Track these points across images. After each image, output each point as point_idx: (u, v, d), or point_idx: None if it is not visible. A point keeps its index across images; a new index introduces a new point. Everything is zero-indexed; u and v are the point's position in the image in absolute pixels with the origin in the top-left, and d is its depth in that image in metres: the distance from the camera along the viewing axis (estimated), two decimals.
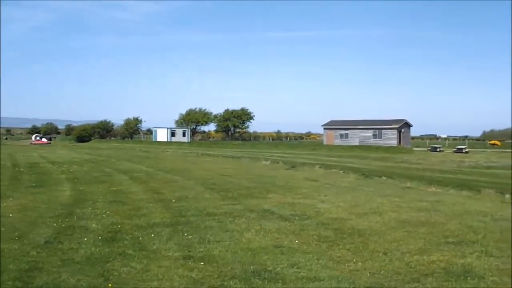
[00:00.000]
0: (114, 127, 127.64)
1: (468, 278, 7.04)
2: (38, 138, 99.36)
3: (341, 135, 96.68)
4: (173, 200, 14.35)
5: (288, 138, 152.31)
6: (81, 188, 17.12)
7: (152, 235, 9.53)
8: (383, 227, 10.60)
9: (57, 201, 14.00)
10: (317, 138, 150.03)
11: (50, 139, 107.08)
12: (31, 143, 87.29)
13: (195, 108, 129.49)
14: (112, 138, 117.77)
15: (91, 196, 15.11)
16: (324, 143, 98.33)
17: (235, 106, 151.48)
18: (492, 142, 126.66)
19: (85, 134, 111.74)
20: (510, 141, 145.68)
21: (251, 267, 7.37)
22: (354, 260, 7.85)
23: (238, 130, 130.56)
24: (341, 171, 26.89)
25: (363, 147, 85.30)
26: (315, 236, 9.55)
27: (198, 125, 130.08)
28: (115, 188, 17.20)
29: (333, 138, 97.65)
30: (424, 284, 6.77)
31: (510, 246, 9.03)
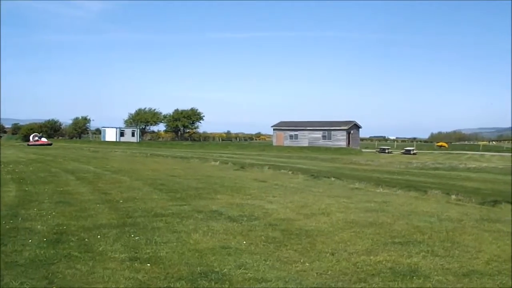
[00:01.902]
0: (62, 126, 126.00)
1: (414, 277, 7.12)
2: (37, 138, 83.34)
3: (291, 136, 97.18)
4: (121, 201, 14.18)
5: (238, 139, 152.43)
6: (26, 189, 16.78)
7: (99, 236, 9.38)
8: (330, 227, 10.64)
9: (1, 202, 13.72)
10: (266, 139, 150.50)
11: (42, 137, 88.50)
12: (28, 144, 75.70)
13: (145, 108, 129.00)
14: (60, 137, 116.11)
15: (37, 197, 14.82)
16: (274, 144, 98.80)
17: (185, 106, 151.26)
18: (440, 144, 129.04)
19: (32, 134, 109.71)
20: (456, 142, 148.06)
21: (198, 268, 7.32)
22: (302, 261, 7.86)
23: (187, 130, 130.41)
24: (290, 172, 26.96)
25: (313, 148, 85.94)
26: (262, 237, 9.54)
27: (148, 125, 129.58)
28: (61, 189, 16.93)
29: (283, 139, 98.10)
30: (370, 284, 6.81)
31: (455, 245, 9.18)
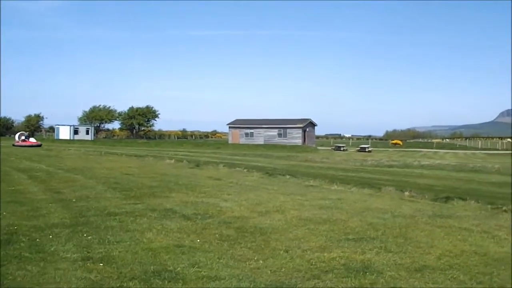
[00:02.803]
0: (14, 124, 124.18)
1: (367, 273, 7.17)
2: (23, 137, 68.45)
3: (246, 134, 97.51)
4: (74, 200, 13.98)
5: (194, 137, 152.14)
6: None
7: (50, 236, 9.22)
8: (285, 225, 10.66)
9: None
10: (222, 137, 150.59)
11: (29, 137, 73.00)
12: (14, 145, 62.56)
13: (99, 105, 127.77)
14: (12, 135, 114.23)
15: None
16: (229, 142, 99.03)
17: (140, 103, 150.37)
18: (394, 141, 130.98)
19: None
20: (411, 140, 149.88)
21: (152, 267, 7.26)
22: (255, 258, 7.85)
23: (143, 128, 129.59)
24: (245, 170, 26.95)
25: (268, 146, 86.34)
26: (216, 235, 9.51)
27: (102, 123, 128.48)
28: (13, 188, 16.60)
29: (239, 137, 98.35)
30: (324, 280, 6.84)
31: (408, 241, 9.29)
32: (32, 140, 70.22)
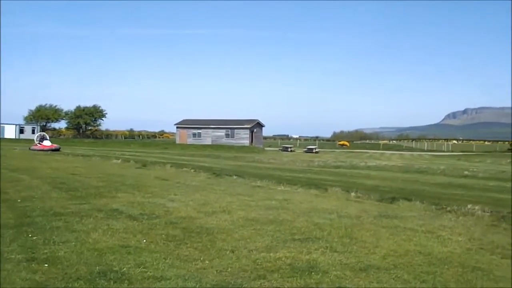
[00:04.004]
0: None
1: (313, 273, 7.23)
2: (39, 140, 55.33)
3: (194, 134, 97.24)
4: (18, 200, 13.76)
5: (141, 137, 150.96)
6: None
7: None
8: (231, 225, 10.67)
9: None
10: (170, 137, 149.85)
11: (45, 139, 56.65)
12: (31, 149, 51.06)
13: (45, 104, 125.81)
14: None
15: None
16: (177, 142, 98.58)
17: (87, 103, 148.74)
18: (341, 142, 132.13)
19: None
20: (358, 141, 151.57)
21: (97, 267, 7.20)
22: (202, 259, 7.85)
23: (89, 127, 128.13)
24: (192, 170, 26.88)
25: (216, 146, 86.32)
26: (163, 235, 9.47)
27: (48, 122, 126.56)
28: None
29: (186, 137, 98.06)
30: (269, 280, 6.87)
31: (353, 241, 9.39)
32: (46, 143, 54.01)
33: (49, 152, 48.09)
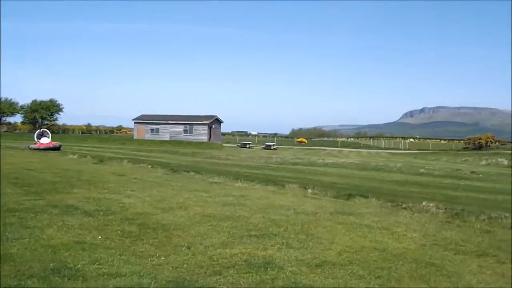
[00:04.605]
0: None
1: (268, 269, 7.24)
2: (37, 137, 46.50)
3: (152, 130, 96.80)
4: None
5: (98, 132, 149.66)
6: None
7: None
8: (188, 221, 10.62)
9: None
10: (128, 132, 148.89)
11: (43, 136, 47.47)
12: (31, 147, 43.60)
13: (0, 98, 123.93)
14: None
15: None
16: (135, 137, 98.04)
17: (44, 97, 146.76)
18: (300, 139, 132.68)
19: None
20: (316, 139, 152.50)
21: (51, 264, 7.09)
22: (157, 255, 7.80)
23: (46, 122, 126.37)
24: (150, 166, 26.71)
25: (174, 142, 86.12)
26: (118, 232, 9.39)
27: (3, 116, 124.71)
28: None
29: (144, 133, 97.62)
30: (225, 276, 6.86)
31: (309, 237, 9.44)
32: (44, 140, 45.95)
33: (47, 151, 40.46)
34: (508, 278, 7.45)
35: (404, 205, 14.18)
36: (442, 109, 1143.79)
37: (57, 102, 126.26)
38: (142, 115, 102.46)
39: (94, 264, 7.20)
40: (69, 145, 58.42)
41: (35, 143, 45.21)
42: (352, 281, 6.92)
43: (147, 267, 7.18)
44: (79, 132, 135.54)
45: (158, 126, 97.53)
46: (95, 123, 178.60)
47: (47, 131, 49.50)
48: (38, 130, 49.95)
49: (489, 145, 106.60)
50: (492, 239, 10.31)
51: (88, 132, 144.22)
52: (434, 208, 13.67)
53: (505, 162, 56.70)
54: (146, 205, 12.66)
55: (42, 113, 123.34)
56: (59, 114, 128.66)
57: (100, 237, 8.94)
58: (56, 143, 45.46)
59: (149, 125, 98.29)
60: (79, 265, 7.11)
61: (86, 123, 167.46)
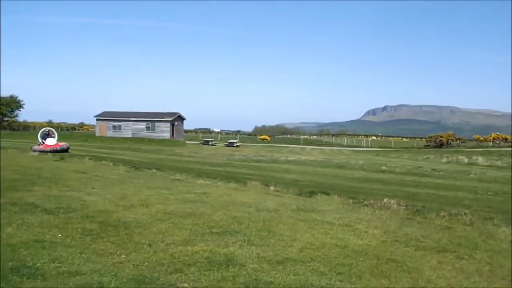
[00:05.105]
0: None
1: (230, 266, 7.25)
2: (42, 137, 41.64)
3: (114, 127, 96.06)
4: None
5: (60, 129, 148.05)
6: None
7: None
8: (149, 219, 10.57)
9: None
10: (90, 129, 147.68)
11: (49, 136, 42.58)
12: (35, 149, 37.60)
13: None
14: None
15: None
16: (97, 134, 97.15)
17: (4, 93, 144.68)
18: (262, 137, 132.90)
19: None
20: (279, 136, 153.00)
21: (10, 263, 6.97)
22: (118, 253, 7.76)
23: (6, 119, 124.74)
24: (111, 163, 26.55)
25: (136, 139, 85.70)
26: (79, 229, 9.30)
27: None
28: None
29: (106, 130, 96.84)
30: (186, 274, 6.85)
31: (271, 234, 9.46)
32: (50, 141, 40.73)
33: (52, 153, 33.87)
34: (467, 273, 7.57)
35: (365, 202, 14.31)
36: (404, 107, 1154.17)
37: (17, 98, 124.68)
38: (104, 112, 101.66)
39: (54, 262, 7.12)
40: (30, 142, 57.80)
41: (39, 144, 40.15)
42: (314, 277, 6.95)
43: (108, 265, 7.13)
44: (40, 129, 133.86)
45: (120, 123, 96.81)
46: (56, 119, 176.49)
47: (53, 130, 44.53)
48: (43, 129, 44.59)
49: (450, 143, 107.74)
50: (451, 235, 10.48)
51: None
52: (395, 205, 13.81)
53: (465, 160, 57.54)
54: (107, 203, 12.55)
55: (2, 110, 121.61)
56: (19, 110, 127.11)
57: (60, 235, 8.84)
58: (64, 145, 40.41)
59: (111, 122, 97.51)
60: (38, 264, 7.02)
61: (47, 120, 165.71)
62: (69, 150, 38.91)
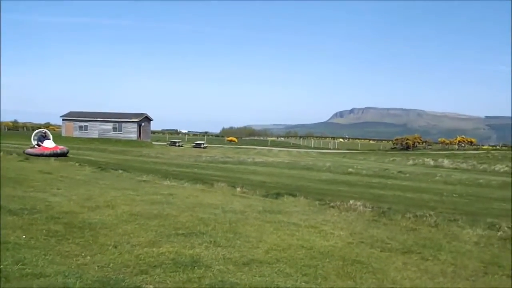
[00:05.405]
0: None
1: (196, 268, 7.25)
2: (38, 140, 37.39)
3: (81, 127, 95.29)
4: None
5: (26, 129, 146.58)
6: None
7: None
8: (115, 220, 10.52)
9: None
10: (56, 129, 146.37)
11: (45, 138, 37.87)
12: (27, 152, 34.14)
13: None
14: None
15: None
16: (63, 134, 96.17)
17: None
18: (230, 138, 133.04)
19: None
20: (247, 138, 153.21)
21: None
22: (83, 254, 7.70)
23: None
24: (77, 164, 26.35)
25: (103, 140, 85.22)
26: (44, 231, 9.20)
27: None
28: None
29: (72, 130, 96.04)
30: (152, 275, 6.83)
31: (237, 236, 9.47)
32: (48, 143, 36.40)
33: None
34: (431, 274, 7.66)
35: (332, 204, 14.39)
36: (372, 109, 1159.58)
37: None
38: (71, 112, 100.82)
39: (18, 264, 7.04)
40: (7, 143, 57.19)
41: (33, 147, 36.46)
42: (279, 279, 6.98)
43: (73, 267, 7.08)
44: (5, 129, 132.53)
45: (86, 124, 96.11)
46: (22, 119, 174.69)
47: (48, 132, 40.06)
48: (38, 131, 40.23)
49: (416, 146, 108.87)
50: (417, 236, 10.60)
51: (15, 128, 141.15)
52: (361, 206, 13.90)
53: (431, 162, 58.04)
54: (72, 204, 12.45)
55: None
56: None
57: (24, 236, 8.75)
58: (64, 148, 36.71)
59: (78, 122, 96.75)
60: (1, 266, 6.93)
61: (12, 119, 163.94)
62: (68, 154, 35.79)
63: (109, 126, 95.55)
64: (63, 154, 34.75)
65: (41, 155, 33.01)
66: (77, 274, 6.72)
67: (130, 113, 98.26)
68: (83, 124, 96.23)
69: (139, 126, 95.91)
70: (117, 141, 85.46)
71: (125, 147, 71.77)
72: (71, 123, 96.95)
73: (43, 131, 39.21)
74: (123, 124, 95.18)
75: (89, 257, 7.57)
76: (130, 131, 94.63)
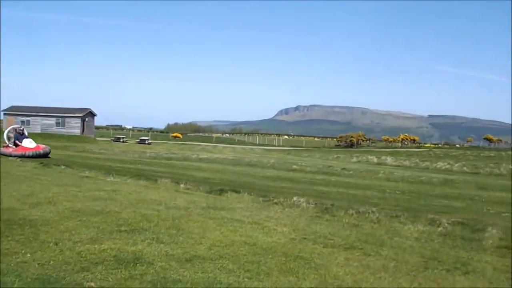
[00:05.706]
0: None
1: (138, 264, 7.21)
2: (15, 140, 31.18)
3: (23, 122, 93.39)
4: None
5: None
6: None
7: None
8: (56, 216, 10.37)
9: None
10: None
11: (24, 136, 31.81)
12: (4, 153, 29.56)
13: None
14: None
15: None
16: (4, 129, 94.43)
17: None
18: (174, 134, 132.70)
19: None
20: (192, 134, 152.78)
21: None
22: (23, 252, 7.56)
23: None
24: (19, 160, 25.96)
25: (45, 135, 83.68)
26: None
27: None
28: None
29: (14, 125, 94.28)
30: (93, 272, 6.76)
31: (180, 232, 9.45)
32: (27, 142, 30.97)
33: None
34: (373, 269, 7.76)
35: (275, 200, 14.46)
36: (317, 107, 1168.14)
37: None
38: (13, 106, 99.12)
39: None
40: None
41: (7, 146, 31.29)
42: (222, 275, 6.98)
43: (12, 264, 6.95)
44: None
45: (29, 118, 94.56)
46: None
47: (24, 130, 34.05)
48: (12, 127, 35.37)
49: (360, 143, 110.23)
50: (359, 232, 10.72)
51: None
52: (304, 203, 13.99)
53: (375, 160, 58.78)
54: (13, 200, 12.23)
55: None
56: None
57: None
58: (46, 148, 31.62)
59: (20, 116, 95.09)
60: None
61: None
62: (49, 155, 30.86)
63: (52, 121, 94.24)
64: (45, 155, 30.10)
65: (22, 156, 28.27)
66: (16, 272, 6.61)
67: (74, 108, 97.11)
68: (25, 118, 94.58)
69: (83, 121, 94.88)
70: (60, 137, 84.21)
71: (68, 142, 70.95)
72: (13, 117, 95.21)
73: (21, 128, 34.10)
74: (67, 119, 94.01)
75: (29, 255, 7.44)
76: (74, 126, 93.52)
